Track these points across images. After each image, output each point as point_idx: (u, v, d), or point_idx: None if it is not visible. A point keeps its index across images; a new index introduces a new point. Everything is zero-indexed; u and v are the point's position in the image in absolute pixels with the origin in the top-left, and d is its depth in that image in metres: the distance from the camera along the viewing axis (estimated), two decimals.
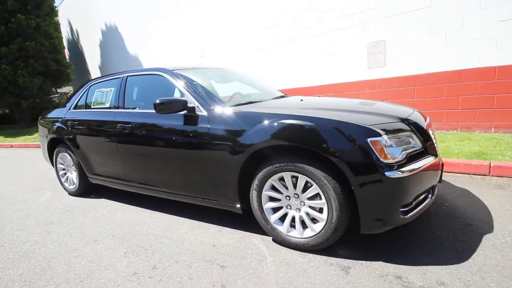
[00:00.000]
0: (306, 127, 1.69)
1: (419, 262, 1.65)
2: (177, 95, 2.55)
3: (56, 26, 12.59)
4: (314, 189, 1.73)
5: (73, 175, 3.42)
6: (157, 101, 2.13)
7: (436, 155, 1.85)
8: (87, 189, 3.37)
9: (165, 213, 2.67)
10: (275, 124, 1.78)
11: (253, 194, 1.96)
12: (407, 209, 1.65)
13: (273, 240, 2.03)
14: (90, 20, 12.92)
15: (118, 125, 2.63)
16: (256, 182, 1.93)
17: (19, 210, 3.13)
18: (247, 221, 2.29)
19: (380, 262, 1.69)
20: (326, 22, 5.28)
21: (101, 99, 3.01)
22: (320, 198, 1.73)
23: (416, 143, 1.76)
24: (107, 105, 2.92)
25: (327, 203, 1.69)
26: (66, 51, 15.96)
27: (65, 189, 3.57)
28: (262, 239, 2.07)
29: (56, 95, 15.80)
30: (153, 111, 2.51)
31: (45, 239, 2.38)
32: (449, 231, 1.95)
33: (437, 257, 1.68)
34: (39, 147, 4.10)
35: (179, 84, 2.39)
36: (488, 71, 3.84)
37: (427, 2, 4.22)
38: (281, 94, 3.07)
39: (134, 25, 10.27)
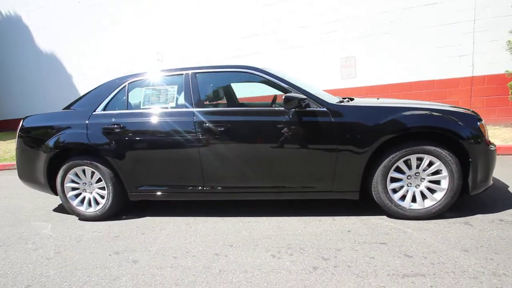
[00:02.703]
0: (439, 116, 2.15)
1: (500, 209, 2.31)
2: (268, 91, 2.55)
3: None
4: (437, 166, 2.17)
5: (96, 195, 2.71)
6: (288, 97, 2.14)
7: None
8: (119, 209, 2.74)
9: (252, 217, 2.53)
10: (411, 114, 2.14)
11: (379, 178, 2.22)
12: None
13: (388, 216, 2.34)
14: None
15: (205, 125, 2.36)
16: (381, 167, 2.21)
17: (33, 249, 2.26)
18: (346, 207, 2.52)
19: (479, 215, 2.26)
20: (306, 37, 5.98)
21: (157, 98, 2.57)
22: (440, 173, 2.18)
23: None
24: (172, 104, 2.53)
25: (449, 175, 2.15)
26: None
27: (78, 214, 2.75)
28: (380, 218, 2.34)
29: None
30: (254, 108, 2.47)
31: (140, 268, 1.89)
32: (492, 191, 2.73)
33: (506, 204, 2.41)
34: None
35: (279, 81, 2.41)
36: (430, 83, 5.33)
37: (387, 28, 5.47)
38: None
39: (55, 21, 8.39)
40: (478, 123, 2.16)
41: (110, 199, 2.64)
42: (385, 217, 2.36)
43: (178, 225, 2.52)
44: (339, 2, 5.70)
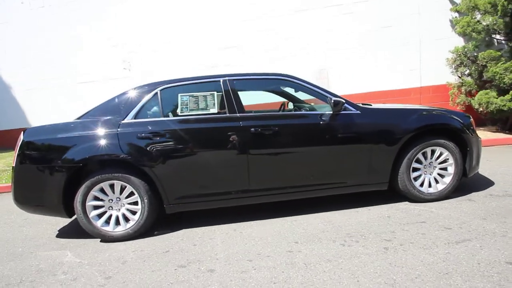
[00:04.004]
0: (448, 116, 2.67)
1: (484, 188, 2.93)
2: (303, 96, 2.77)
3: None
4: (445, 156, 2.67)
5: (125, 211, 2.46)
6: (336, 101, 2.43)
7: None
8: (151, 225, 2.53)
9: (294, 216, 2.65)
10: (428, 114, 2.65)
11: (404, 169, 2.62)
12: None
13: (409, 201, 2.74)
14: None
15: (252, 129, 2.42)
16: (406, 159, 2.61)
17: (71, 279, 1.95)
18: (372, 196, 2.85)
19: (473, 193, 2.83)
20: (283, 51, 6.42)
21: (195, 105, 2.51)
22: (448, 161, 2.68)
23: None
24: (213, 110, 2.51)
25: (454, 162, 2.67)
26: None
27: (103, 236, 2.44)
28: (404, 204, 2.72)
29: None
30: (298, 112, 2.66)
31: (223, 276, 1.84)
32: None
33: (485, 184, 3.06)
34: None
35: (315, 88, 2.66)
36: (390, 92, 6.28)
37: (355, 46, 6.28)
38: None
39: None
40: (470, 120, 2.77)
41: (145, 213, 2.44)
42: (407, 202, 2.76)
43: (226, 232, 2.48)
44: (312, 25, 6.34)
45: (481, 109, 5.08)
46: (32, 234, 2.84)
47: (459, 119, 2.71)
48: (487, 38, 5.23)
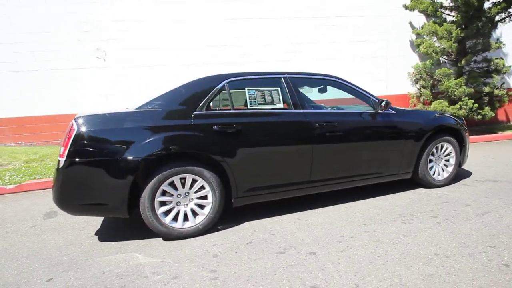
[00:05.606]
0: (452, 118, 3.33)
1: (467, 176, 3.74)
2: (346, 96, 3.10)
3: None
4: (449, 150, 3.33)
5: (194, 206, 2.38)
6: (387, 102, 2.88)
7: None
8: (218, 220, 2.49)
9: (341, 204, 2.94)
10: (440, 116, 3.25)
11: (424, 160, 3.17)
12: None
13: (423, 187, 3.32)
14: None
15: (316, 124, 2.62)
16: (425, 153, 3.18)
17: (172, 278, 1.84)
18: (392, 185, 3.35)
19: (463, 180, 3.59)
20: (269, 54, 6.69)
21: (262, 99, 2.57)
22: (451, 154, 3.35)
23: None
24: (279, 105, 2.62)
25: (456, 155, 3.35)
26: None
27: (170, 234, 2.30)
28: (421, 190, 3.29)
29: None
30: (352, 110, 2.98)
31: (328, 256, 2.00)
32: None
33: (466, 173, 3.88)
34: None
35: (359, 89, 3.02)
36: None
37: (334, 55, 6.95)
38: None
39: None
40: (463, 121, 3.53)
41: (217, 207, 2.40)
42: (422, 188, 3.34)
43: (292, 221, 2.61)
44: (299, 33, 6.81)
45: None
46: (62, 242, 2.45)
47: (458, 120, 3.43)
48: (438, 58, 6.52)
